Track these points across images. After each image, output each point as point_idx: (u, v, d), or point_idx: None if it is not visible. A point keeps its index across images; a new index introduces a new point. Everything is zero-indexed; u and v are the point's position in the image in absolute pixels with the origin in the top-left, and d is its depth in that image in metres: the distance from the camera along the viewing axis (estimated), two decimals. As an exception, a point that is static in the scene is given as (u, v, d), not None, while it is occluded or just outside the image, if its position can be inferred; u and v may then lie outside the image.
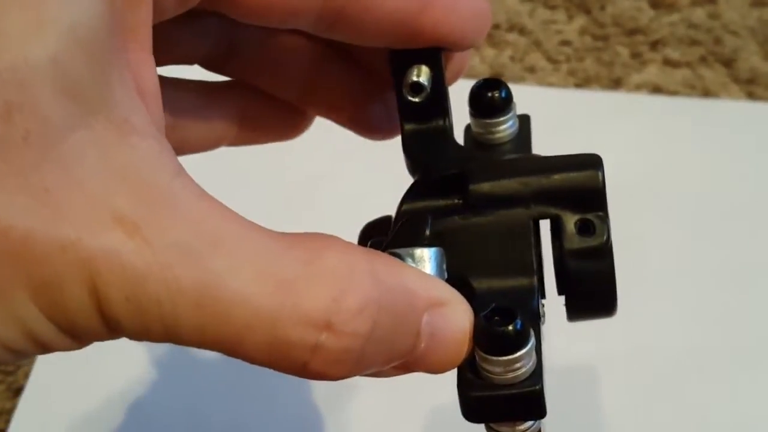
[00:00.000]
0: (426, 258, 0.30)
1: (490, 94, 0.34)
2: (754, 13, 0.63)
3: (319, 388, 0.50)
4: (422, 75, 0.33)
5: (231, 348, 0.26)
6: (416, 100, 0.34)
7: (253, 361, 0.26)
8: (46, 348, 0.26)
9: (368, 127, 0.37)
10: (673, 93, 0.60)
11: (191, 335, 0.26)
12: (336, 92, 0.37)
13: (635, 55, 0.62)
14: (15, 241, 0.25)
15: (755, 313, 0.51)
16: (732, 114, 0.59)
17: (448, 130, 0.34)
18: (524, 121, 0.35)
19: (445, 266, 0.30)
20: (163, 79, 0.35)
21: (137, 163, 0.26)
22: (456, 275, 0.30)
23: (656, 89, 0.60)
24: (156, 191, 0.26)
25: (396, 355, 0.28)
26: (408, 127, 0.34)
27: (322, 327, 0.26)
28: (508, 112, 0.34)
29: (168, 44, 0.34)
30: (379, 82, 0.36)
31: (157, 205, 0.26)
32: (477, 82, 0.35)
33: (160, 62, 0.35)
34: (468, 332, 0.29)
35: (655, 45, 0.62)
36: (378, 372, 0.28)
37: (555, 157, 0.33)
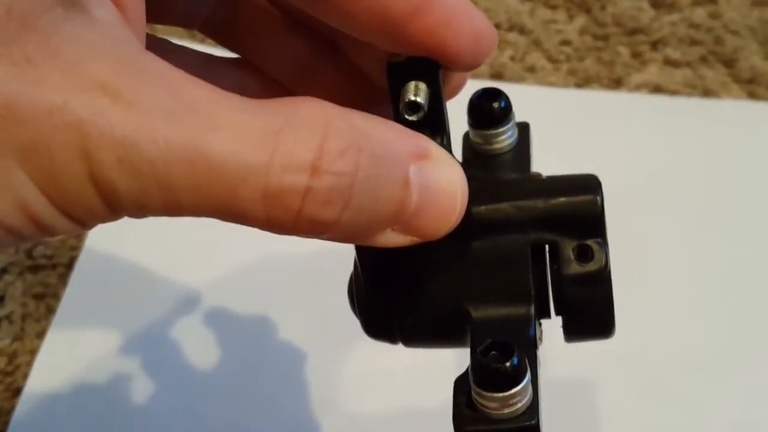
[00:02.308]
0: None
1: (489, 105, 0.34)
2: (754, 13, 0.63)
3: (318, 389, 0.50)
4: (420, 93, 0.33)
5: (227, 207, 0.27)
6: (413, 119, 0.33)
7: (250, 218, 0.27)
8: (43, 227, 0.26)
9: None
10: (673, 93, 0.60)
11: (187, 198, 0.26)
12: (329, 89, 0.36)
13: (636, 54, 0.62)
14: (0, 106, 0.25)
15: (755, 313, 0.51)
16: (732, 114, 0.59)
17: (446, 148, 0.33)
18: (523, 129, 0.35)
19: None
20: (165, 44, 0.35)
21: (108, 39, 0.27)
22: (454, 303, 0.30)
23: (657, 89, 0.60)
24: (129, 62, 0.27)
25: (388, 205, 0.28)
26: None
27: (309, 171, 0.27)
28: (507, 123, 0.34)
29: (169, 1, 0.35)
30: (374, 91, 0.36)
31: (133, 73, 0.26)
32: (476, 92, 0.34)
33: (161, 20, 0.35)
34: (458, 184, 0.29)
35: (655, 45, 0.62)
36: (377, 229, 0.29)
37: (553, 179, 0.32)
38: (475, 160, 0.34)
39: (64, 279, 0.54)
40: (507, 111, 0.34)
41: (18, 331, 0.53)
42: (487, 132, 0.34)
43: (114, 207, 0.27)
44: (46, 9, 0.26)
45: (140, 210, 0.27)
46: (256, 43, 0.37)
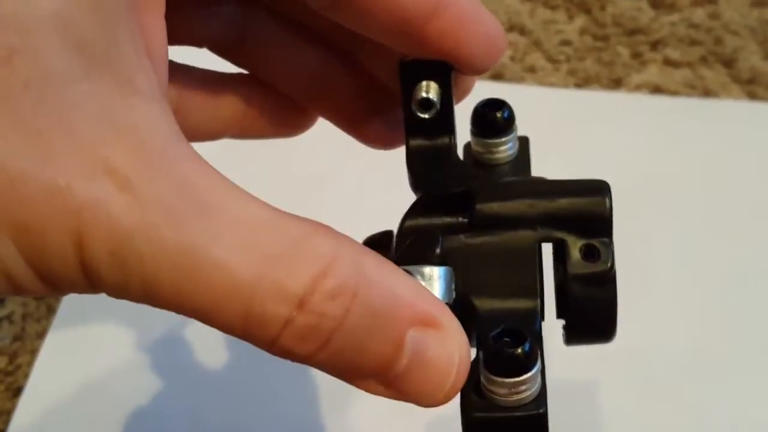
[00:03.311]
0: (435, 277, 0.29)
1: (492, 115, 0.34)
2: (754, 13, 0.63)
3: (319, 389, 0.50)
4: (432, 91, 0.33)
5: (207, 315, 0.26)
6: (425, 116, 0.33)
7: (227, 330, 0.26)
8: (19, 290, 0.26)
9: (369, 136, 0.37)
10: (673, 93, 0.60)
11: (169, 298, 0.26)
12: (341, 97, 0.37)
13: (635, 55, 0.62)
14: (3, 180, 0.24)
15: (756, 313, 0.51)
16: (732, 114, 0.59)
17: (453, 148, 0.34)
18: (523, 143, 0.35)
19: (453, 287, 0.30)
20: (171, 64, 0.35)
21: (135, 120, 0.26)
22: (459, 294, 0.30)
23: (656, 89, 0.60)
24: (150, 150, 0.26)
25: (372, 360, 0.27)
26: (413, 142, 0.34)
27: (296, 304, 0.26)
28: (509, 133, 0.34)
29: (181, 22, 0.35)
30: (385, 96, 0.36)
31: (150, 163, 0.25)
32: (480, 102, 0.35)
33: (170, 40, 0.35)
34: (457, 365, 0.28)
35: (655, 45, 0.62)
36: (356, 377, 0.28)
37: (562, 180, 0.33)
38: (476, 170, 0.35)
39: (64, 279, 0.54)
40: (510, 121, 0.35)
41: (18, 331, 0.53)
42: (489, 141, 0.34)
43: (95, 287, 0.26)
44: (71, 81, 0.25)
45: (119, 295, 0.26)
46: (266, 60, 0.36)
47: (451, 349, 0.28)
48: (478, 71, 0.34)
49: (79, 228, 0.25)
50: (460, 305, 0.30)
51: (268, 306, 0.26)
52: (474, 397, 0.29)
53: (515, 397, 0.28)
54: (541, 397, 0.29)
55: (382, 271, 0.27)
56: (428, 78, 0.33)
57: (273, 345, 0.26)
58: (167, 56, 0.29)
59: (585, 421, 0.48)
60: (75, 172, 0.25)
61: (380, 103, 0.36)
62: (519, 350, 0.28)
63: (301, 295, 0.26)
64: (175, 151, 0.26)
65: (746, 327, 0.51)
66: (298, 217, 0.27)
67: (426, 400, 0.28)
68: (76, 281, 0.26)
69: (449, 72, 0.33)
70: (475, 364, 0.29)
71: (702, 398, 0.49)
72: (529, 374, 0.28)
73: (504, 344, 0.28)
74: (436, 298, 0.29)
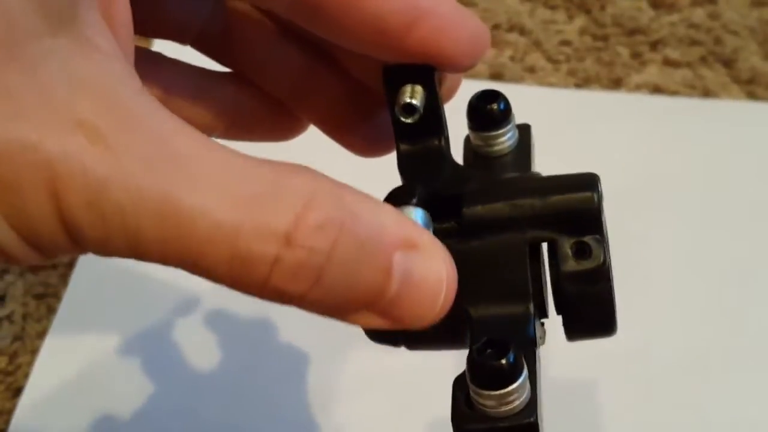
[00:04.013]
0: (412, 211, 0.29)
1: (488, 107, 0.34)
2: (754, 13, 0.63)
3: (319, 389, 0.50)
4: (416, 96, 0.33)
5: (193, 262, 0.26)
6: (409, 121, 0.33)
7: (215, 277, 0.26)
8: (8, 258, 0.26)
9: (356, 143, 0.37)
10: (673, 93, 0.60)
11: (153, 248, 0.26)
12: (326, 101, 0.36)
13: (635, 55, 0.62)
14: None
15: (755, 313, 0.51)
16: (732, 114, 0.59)
17: (444, 149, 0.33)
18: (524, 130, 0.35)
19: (431, 228, 0.30)
20: (159, 57, 0.35)
21: (100, 76, 0.26)
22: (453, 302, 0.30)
23: (656, 89, 0.60)
24: (118, 103, 0.26)
25: (363, 289, 0.27)
26: (403, 147, 0.33)
27: (282, 242, 0.26)
28: (507, 124, 0.34)
29: (161, 13, 0.35)
30: (373, 100, 0.35)
31: (119, 115, 0.25)
32: (475, 94, 0.34)
33: (154, 34, 0.34)
34: (444, 281, 0.28)
35: (655, 45, 0.62)
36: (350, 310, 0.28)
37: (551, 177, 0.32)
38: (477, 164, 0.34)
39: (65, 279, 0.54)
40: (506, 112, 0.34)
41: (19, 331, 0.53)
42: (487, 134, 0.34)
43: (80, 246, 0.26)
44: (35, 38, 0.25)
45: (105, 252, 0.26)
46: (250, 58, 0.36)
47: (438, 266, 0.28)
48: (461, 70, 0.33)
49: (54, 181, 0.25)
50: (454, 314, 0.29)
51: (253, 246, 0.26)
52: (465, 409, 0.29)
53: (505, 408, 0.28)
54: (532, 404, 0.28)
55: (363, 202, 0.27)
56: (412, 81, 0.33)
57: (264, 287, 0.26)
58: (130, 20, 0.29)
59: (585, 421, 0.48)
60: (46, 127, 0.25)
61: (367, 109, 0.36)
62: (503, 362, 0.28)
63: (286, 232, 0.26)
64: (141, 104, 0.26)
65: (746, 327, 0.51)
66: (271, 160, 0.27)
67: (420, 320, 0.28)
68: (59, 240, 0.26)
69: (432, 73, 0.33)
70: (464, 378, 0.29)
71: (702, 398, 0.49)
72: (515, 385, 0.28)
73: (487, 357, 0.28)
74: (415, 222, 0.29)
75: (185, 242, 0.25)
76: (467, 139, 0.35)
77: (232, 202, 0.26)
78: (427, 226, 0.29)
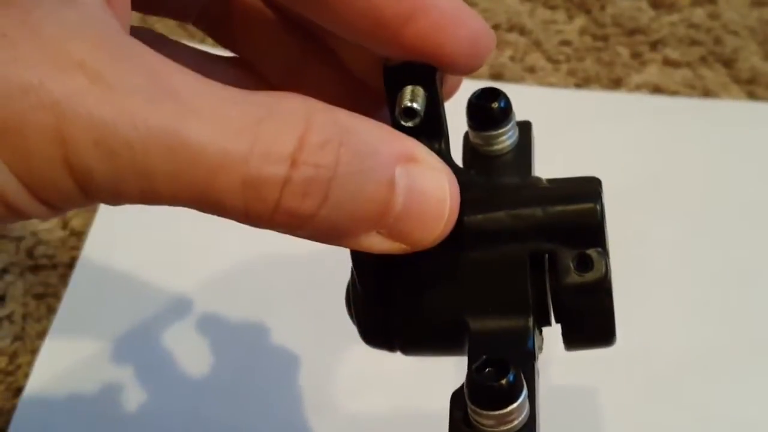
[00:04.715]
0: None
1: (488, 105, 0.33)
2: (754, 13, 0.63)
3: (319, 389, 0.50)
4: (416, 99, 0.32)
5: (205, 195, 0.26)
6: (409, 125, 0.32)
7: (227, 207, 0.26)
8: (13, 210, 0.26)
9: None
10: (673, 93, 0.60)
11: (164, 185, 0.26)
12: (324, 93, 0.36)
13: (635, 55, 0.62)
14: None
15: (755, 313, 0.51)
16: (732, 114, 0.59)
17: (444, 153, 0.33)
18: (525, 128, 0.34)
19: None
20: (161, 39, 0.35)
21: (90, 19, 0.26)
22: (453, 315, 0.30)
23: (656, 89, 0.60)
24: (111, 43, 0.26)
25: (370, 205, 0.28)
26: None
27: (289, 162, 0.26)
28: (507, 123, 0.33)
29: None
30: (371, 98, 0.35)
31: (114, 55, 0.26)
32: (475, 93, 0.33)
33: (155, 12, 0.34)
34: (447, 193, 0.28)
35: (655, 45, 0.62)
36: (358, 230, 0.28)
37: (553, 184, 0.32)
38: (476, 162, 0.34)
39: (64, 279, 0.54)
40: (507, 111, 0.33)
41: (19, 331, 0.53)
42: (487, 133, 0.33)
43: (88, 192, 0.26)
44: None
45: (116, 196, 0.26)
46: (249, 41, 0.36)
47: (439, 178, 0.29)
48: (464, 72, 0.33)
49: (59, 122, 0.25)
50: (450, 321, 0.29)
51: (263, 169, 0.26)
52: (463, 427, 0.28)
53: (503, 427, 0.28)
54: (530, 424, 0.28)
55: (356, 119, 0.28)
56: (413, 82, 0.32)
57: (276, 210, 0.27)
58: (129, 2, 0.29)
59: (585, 422, 0.48)
60: (46, 69, 0.25)
61: (365, 107, 0.36)
62: (503, 382, 0.28)
63: (292, 153, 0.26)
64: (132, 44, 0.26)
65: (746, 327, 0.51)
66: (262, 90, 0.28)
67: (427, 235, 0.29)
68: (66, 187, 0.26)
69: (434, 74, 0.32)
70: (462, 394, 0.29)
71: (702, 398, 0.49)
72: (515, 405, 0.28)
73: (486, 377, 0.28)
74: (408, 137, 0.29)
75: (196, 173, 0.26)
76: (466, 137, 0.34)
77: (236, 130, 0.26)
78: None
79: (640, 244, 0.53)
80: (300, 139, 0.26)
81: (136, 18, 0.30)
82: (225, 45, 0.37)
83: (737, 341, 0.50)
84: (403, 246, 0.29)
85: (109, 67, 0.25)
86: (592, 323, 0.31)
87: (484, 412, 0.28)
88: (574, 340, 0.32)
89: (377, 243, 0.28)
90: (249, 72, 0.37)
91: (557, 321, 0.31)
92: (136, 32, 0.29)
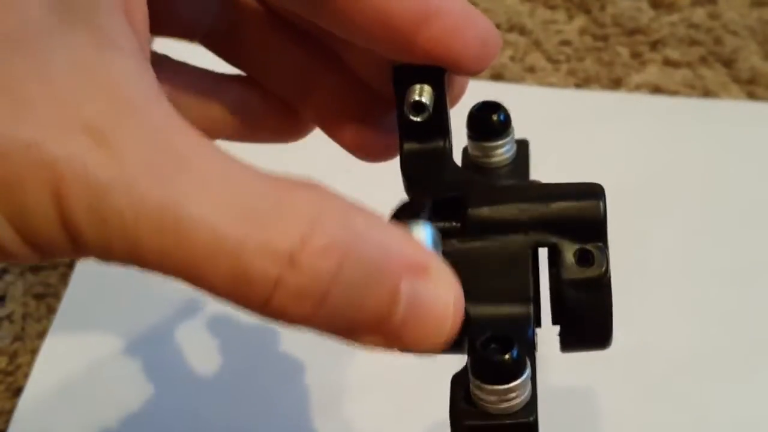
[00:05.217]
0: (421, 229, 0.29)
1: (488, 117, 0.34)
2: (754, 13, 0.63)
3: (319, 389, 0.50)
4: (425, 94, 0.33)
5: (192, 275, 0.25)
6: (418, 119, 0.33)
7: (215, 291, 0.26)
8: (6, 256, 0.26)
9: (361, 146, 0.36)
10: (673, 93, 0.60)
11: (153, 257, 0.25)
12: (333, 103, 0.36)
13: (635, 55, 0.62)
14: None
15: (756, 314, 0.51)
16: (732, 114, 0.59)
17: (448, 152, 0.34)
18: (522, 146, 0.35)
19: (441, 246, 0.29)
20: (166, 60, 0.35)
21: (113, 74, 0.25)
22: None
23: (656, 89, 0.60)
24: (129, 105, 0.25)
25: (369, 313, 0.27)
26: (407, 146, 0.33)
27: (285, 262, 0.25)
28: (506, 136, 0.34)
29: (170, 11, 0.34)
30: (379, 104, 0.35)
31: (128, 118, 0.25)
32: (476, 105, 0.34)
33: (160, 32, 0.34)
34: (452, 308, 0.28)
35: (655, 45, 0.62)
36: (354, 332, 0.27)
37: (556, 184, 0.32)
38: (475, 175, 0.34)
39: (65, 279, 0.54)
40: (506, 124, 0.34)
41: (19, 331, 0.53)
42: (486, 144, 0.34)
43: (80, 249, 0.26)
44: (48, 33, 0.25)
45: (104, 257, 0.26)
46: (257, 57, 0.36)
47: (445, 293, 0.28)
48: (471, 73, 0.33)
49: (57, 182, 0.24)
50: None
51: (256, 264, 0.25)
52: (464, 404, 0.29)
53: (505, 405, 0.28)
54: (531, 404, 0.28)
55: (370, 224, 0.27)
56: (421, 82, 0.33)
57: (266, 306, 0.26)
58: (147, 20, 0.29)
59: (584, 421, 0.48)
60: (51, 127, 0.24)
61: (372, 112, 0.36)
62: (506, 357, 0.28)
63: (291, 252, 0.25)
64: (154, 107, 0.26)
65: (746, 327, 0.51)
66: (280, 175, 0.26)
67: (425, 347, 0.28)
68: (59, 241, 0.25)
69: (443, 75, 0.33)
70: (464, 371, 0.29)
71: (702, 398, 0.49)
72: (518, 381, 0.28)
73: (492, 351, 0.28)
74: (425, 246, 0.28)
75: (185, 254, 0.25)
76: (465, 151, 0.35)
77: (236, 216, 0.25)
78: (435, 243, 0.29)
79: (640, 244, 0.53)
80: (302, 238, 0.25)
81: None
82: (231, 62, 0.37)
83: (737, 341, 0.50)
84: (402, 349, 0.28)
85: (117, 129, 0.25)
86: (590, 320, 0.31)
87: (488, 387, 0.28)
88: (570, 339, 0.32)
89: (375, 342, 0.28)
90: (255, 88, 0.37)
91: (555, 320, 0.32)
92: None
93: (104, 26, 0.26)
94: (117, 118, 0.25)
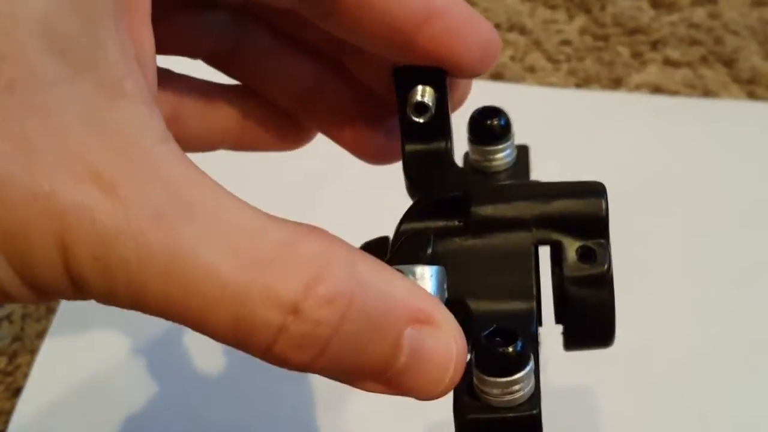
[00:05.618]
0: (427, 276, 0.29)
1: (489, 122, 0.34)
2: (754, 13, 0.63)
3: (319, 390, 0.50)
4: (427, 95, 0.33)
5: (196, 322, 0.26)
6: (420, 120, 0.33)
7: (218, 338, 0.26)
8: (5, 297, 0.26)
9: (364, 149, 0.37)
10: (673, 93, 0.60)
11: (157, 304, 0.25)
12: (335, 110, 0.36)
13: (635, 54, 0.62)
14: None
15: (756, 314, 0.51)
16: (732, 114, 0.59)
17: (449, 153, 0.34)
18: (523, 151, 0.35)
19: (446, 286, 0.30)
20: (168, 74, 0.35)
21: (122, 123, 0.25)
22: (454, 296, 0.30)
23: (656, 89, 0.60)
24: (137, 153, 0.25)
25: (370, 362, 0.27)
26: (409, 147, 0.34)
27: (289, 311, 0.25)
28: (506, 141, 0.34)
29: (174, 33, 0.35)
30: (380, 108, 0.36)
31: (136, 166, 0.25)
32: (477, 110, 0.35)
33: (164, 51, 0.34)
34: (454, 359, 0.28)
35: (655, 45, 0.62)
36: (355, 379, 0.27)
37: (559, 182, 0.32)
38: (473, 176, 0.35)
39: (64, 279, 0.54)
40: (506, 129, 0.35)
41: (18, 331, 0.53)
42: (486, 148, 0.34)
43: (82, 293, 0.26)
44: (54, 84, 0.25)
45: (107, 302, 0.26)
46: (260, 71, 0.36)
47: (448, 343, 0.28)
48: (472, 75, 0.34)
49: (63, 232, 0.25)
50: (456, 308, 0.29)
51: (259, 312, 0.25)
52: (467, 398, 0.29)
53: (508, 398, 0.28)
54: (535, 397, 0.28)
55: (376, 272, 0.27)
56: (423, 83, 0.33)
57: (268, 353, 0.26)
58: (155, 60, 0.29)
59: (585, 422, 0.48)
60: (59, 177, 0.25)
61: (375, 116, 0.36)
62: (510, 349, 0.28)
63: (294, 302, 0.25)
64: (162, 154, 0.26)
65: (746, 327, 0.51)
66: (288, 221, 0.26)
67: (425, 394, 0.28)
68: (62, 288, 0.26)
69: (444, 77, 0.33)
70: (468, 365, 0.29)
71: (702, 398, 0.49)
72: (522, 374, 0.28)
73: (495, 343, 0.28)
74: (430, 294, 0.28)
75: (189, 301, 0.25)
76: (466, 156, 0.35)
77: (241, 264, 0.25)
78: (440, 286, 0.29)
79: (641, 244, 0.53)
80: (307, 288, 0.25)
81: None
82: (233, 76, 0.37)
83: (737, 341, 0.50)
84: (402, 395, 0.28)
85: (125, 178, 0.25)
86: (592, 317, 0.31)
87: (491, 380, 0.28)
88: (573, 337, 0.32)
89: (375, 388, 0.28)
90: (256, 99, 0.37)
91: (558, 319, 0.32)
92: None
93: (110, 69, 0.26)
94: (125, 166, 0.25)
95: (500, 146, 0.34)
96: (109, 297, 0.26)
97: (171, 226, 0.25)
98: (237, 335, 0.26)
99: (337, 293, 0.26)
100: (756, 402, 0.49)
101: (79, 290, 0.26)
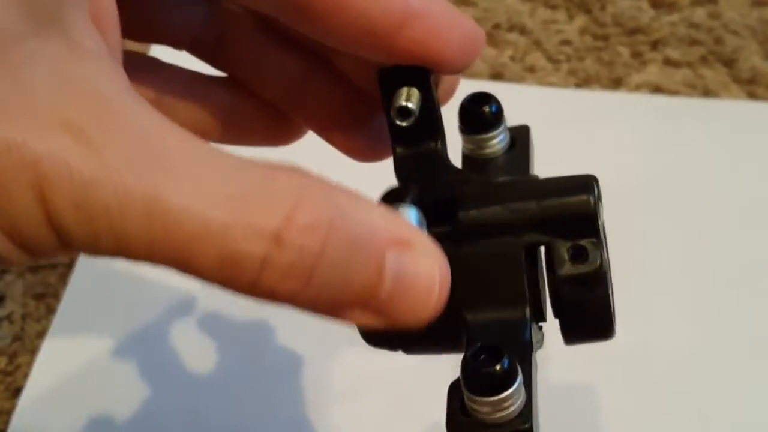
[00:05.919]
0: (407, 209, 0.29)
1: (479, 109, 0.34)
2: (754, 13, 0.63)
3: (319, 390, 0.50)
4: (411, 99, 0.32)
5: (181, 261, 0.26)
6: (404, 124, 0.33)
7: (204, 276, 0.26)
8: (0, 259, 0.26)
9: (353, 147, 0.37)
10: (673, 93, 0.60)
11: (141, 247, 0.25)
12: (322, 105, 0.36)
13: (636, 54, 0.62)
14: None
15: (756, 314, 0.51)
16: (732, 114, 0.59)
17: (441, 153, 0.33)
18: (523, 132, 0.35)
19: (425, 227, 0.29)
20: (154, 62, 0.35)
21: (88, 76, 0.26)
22: (449, 307, 0.30)
23: (656, 89, 0.60)
24: (104, 102, 0.26)
25: (356, 288, 0.27)
26: (399, 150, 0.33)
27: (271, 241, 0.25)
28: (498, 127, 0.34)
29: (156, 19, 0.35)
30: (370, 104, 0.35)
31: (104, 115, 0.25)
32: (466, 97, 0.34)
33: (150, 38, 0.34)
34: (437, 279, 0.28)
35: (655, 45, 0.62)
36: (343, 308, 0.27)
37: (548, 180, 0.32)
38: (470, 166, 0.34)
39: (64, 279, 0.54)
40: (498, 115, 0.34)
41: (18, 331, 0.53)
42: (477, 137, 0.34)
43: (69, 246, 0.26)
44: (19, 40, 0.25)
45: (93, 251, 0.26)
46: (246, 63, 0.36)
47: (430, 264, 0.28)
48: (456, 71, 0.33)
49: (40, 181, 0.25)
50: (451, 318, 0.29)
51: (242, 246, 0.25)
52: (460, 416, 0.29)
53: (499, 414, 0.28)
54: (527, 410, 0.28)
55: (354, 201, 0.27)
56: (408, 84, 0.33)
57: (255, 287, 0.26)
58: (117, 19, 0.29)
59: (585, 423, 0.48)
60: (30, 128, 0.25)
61: (364, 114, 0.36)
62: (497, 367, 0.28)
63: (276, 232, 0.25)
64: (128, 103, 0.26)
65: (746, 327, 0.51)
66: (263, 160, 0.27)
67: (414, 319, 0.28)
68: (47, 240, 0.26)
69: (428, 75, 0.33)
70: (458, 384, 0.29)
71: (702, 398, 0.49)
72: (510, 391, 0.28)
73: (480, 363, 0.28)
74: (408, 221, 0.29)
75: (173, 243, 0.25)
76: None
77: (220, 202, 0.25)
78: (420, 224, 0.29)
79: (640, 244, 0.53)
80: (287, 217, 0.26)
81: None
82: (219, 68, 0.37)
83: (737, 341, 0.50)
84: (389, 323, 0.28)
85: (96, 126, 0.25)
86: (589, 315, 0.31)
87: (480, 399, 0.28)
88: (572, 333, 0.32)
89: (362, 318, 0.28)
90: (242, 91, 0.37)
91: (555, 315, 0.32)
92: (129, 57, 0.29)
93: (73, 30, 0.26)
94: (94, 114, 0.25)
95: (491, 134, 0.34)
96: (93, 246, 0.26)
97: (146, 170, 0.25)
98: (223, 272, 0.26)
99: (317, 221, 0.26)
100: (756, 402, 0.49)
101: (63, 243, 0.26)
